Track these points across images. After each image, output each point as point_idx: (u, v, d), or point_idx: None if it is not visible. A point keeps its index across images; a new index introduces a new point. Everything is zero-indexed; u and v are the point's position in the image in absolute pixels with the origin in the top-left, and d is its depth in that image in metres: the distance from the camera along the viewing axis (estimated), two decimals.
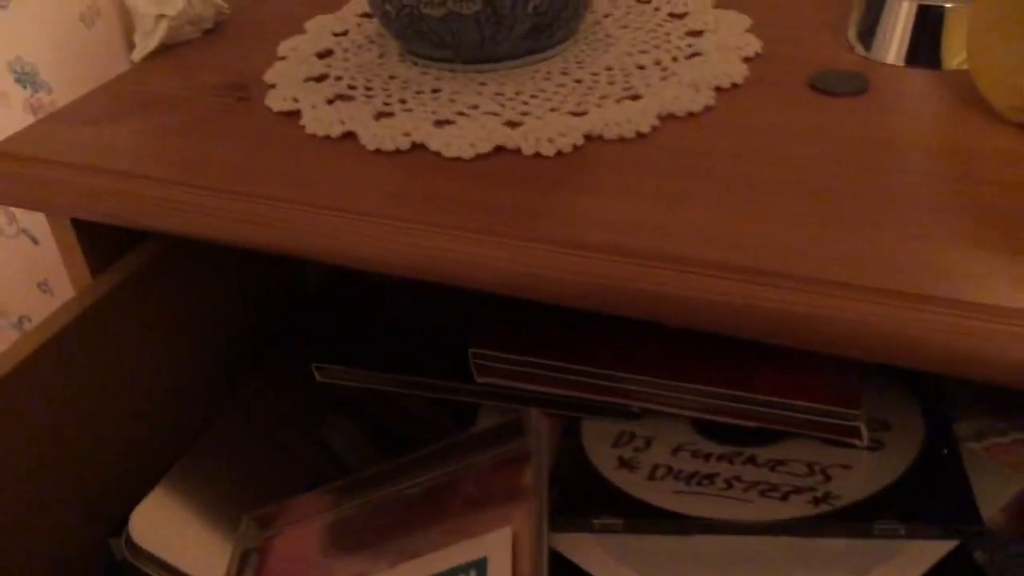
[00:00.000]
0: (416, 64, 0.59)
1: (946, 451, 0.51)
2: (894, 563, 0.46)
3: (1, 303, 0.97)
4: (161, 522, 0.58)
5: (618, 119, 0.50)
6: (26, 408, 0.53)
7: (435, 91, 0.56)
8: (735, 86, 0.53)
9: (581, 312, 0.43)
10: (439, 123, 0.52)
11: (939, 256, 0.39)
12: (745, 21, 0.60)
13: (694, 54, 0.56)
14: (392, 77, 0.58)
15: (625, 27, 0.61)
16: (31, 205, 0.57)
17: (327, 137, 0.53)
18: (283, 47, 0.63)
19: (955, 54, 0.52)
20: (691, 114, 0.51)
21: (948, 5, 0.52)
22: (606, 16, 0.63)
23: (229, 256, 0.67)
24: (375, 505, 0.57)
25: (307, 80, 0.58)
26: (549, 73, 0.56)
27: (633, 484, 0.53)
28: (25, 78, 0.80)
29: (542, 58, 0.57)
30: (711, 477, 0.52)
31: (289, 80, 0.59)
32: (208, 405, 0.67)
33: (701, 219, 0.42)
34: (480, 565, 0.49)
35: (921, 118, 0.49)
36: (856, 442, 0.51)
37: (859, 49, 0.55)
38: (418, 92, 0.56)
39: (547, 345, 0.57)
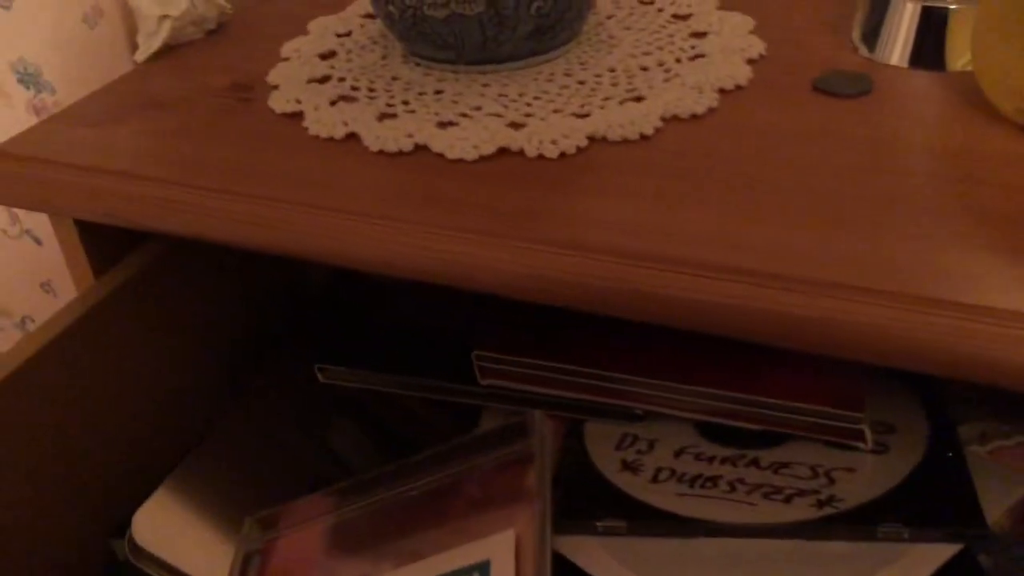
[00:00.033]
0: (419, 65, 0.59)
1: (950, 454, 0.51)
2: (898, 566, 0.46)
3: (4, 303, 0.97)
4: (163, 523, 0.58)
5: (621, 121, 0.50)
6: (29, 408, 0.53)
7: (438, 92, 0.55)
8: (739, 88, 0.53)
9: (584, 314, 0.43)
10: (442, 124, 0.52)
11: (942, 258, 0.39)
12: (749, 23, 0.59)
13: (698, 56, 0.56)
14: (395, 78, 0.58)
15: (628, 28, 0.61)
16: (33, 206, 0.57)
17: (330, 138, 0.53)
18: (286, 48, 0.63)
19: (959, 56, 0.52)
20: (695, 116, 0.51)
21: (952, 6, 0.52)
22: (609, 17, 0.63)
23: (231, 257, 0.67)
24: (378, 507, 0.56)
25: (310, 81, 0.58)
26: (552, 74, 0.56)
27: (636, 486, 0.53)
28: (28, 79, 0.80)
29: (545, 59, 0.57)
30: (714, 480, 0.52)
31: (292, 81, 0.59)
32: (210, 406, 0.67)
33: (704, 221, 0.42)
34: (483, 567, 0.49)
35: (925, 120, 0.49)
36: (860, 445, 0.51)
37: (863, 50, 0.55)
38: (421, 93, 0.56)
39: (550, 347, 0.57)
